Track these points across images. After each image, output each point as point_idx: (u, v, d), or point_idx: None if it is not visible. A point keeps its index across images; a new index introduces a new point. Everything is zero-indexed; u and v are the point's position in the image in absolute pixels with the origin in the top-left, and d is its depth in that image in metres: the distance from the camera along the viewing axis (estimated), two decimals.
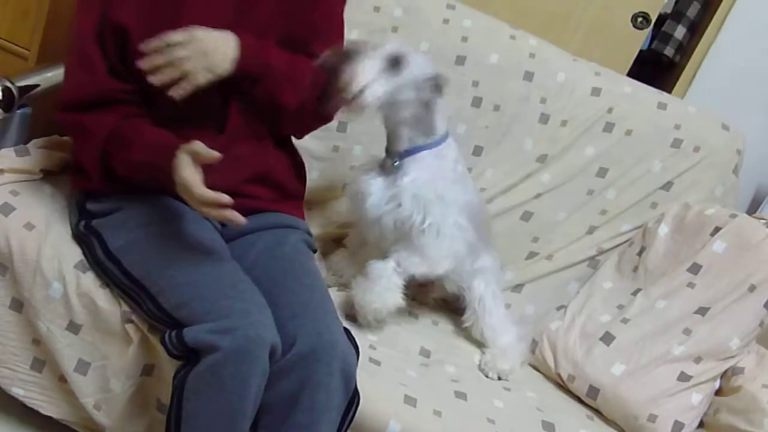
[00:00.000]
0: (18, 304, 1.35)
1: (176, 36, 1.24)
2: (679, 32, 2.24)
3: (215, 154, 1.19)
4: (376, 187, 1.52)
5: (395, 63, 1.38)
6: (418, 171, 1.50)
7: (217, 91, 1.35)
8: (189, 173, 1.19)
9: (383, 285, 1.49)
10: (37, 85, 1.50)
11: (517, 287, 1.83)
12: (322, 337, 1.20)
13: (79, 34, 1.31)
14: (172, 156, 1.21)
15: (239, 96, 1.38)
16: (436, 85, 1.45)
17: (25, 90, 1.47)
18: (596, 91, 1.85)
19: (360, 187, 1.54)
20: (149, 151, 1.27)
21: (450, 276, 1.60)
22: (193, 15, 1.32)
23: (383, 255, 1.55)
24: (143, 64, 1.24)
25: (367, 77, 1.33)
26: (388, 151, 1.55)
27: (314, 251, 1.52)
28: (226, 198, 1.17)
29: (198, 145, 1.19)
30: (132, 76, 1.32)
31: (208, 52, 1.27)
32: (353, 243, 1.69)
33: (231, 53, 1.30)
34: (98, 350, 1.33)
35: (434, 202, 1.48)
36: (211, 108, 1.37)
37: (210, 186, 1.29)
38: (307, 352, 1.19)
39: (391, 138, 1.53)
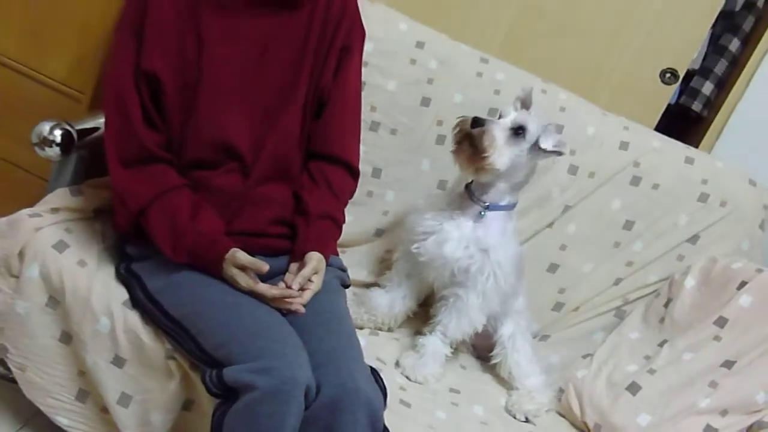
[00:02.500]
0: (67, 337, 1.42)
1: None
2: (707, 88, 2.29)
3: (264, 267, 1.32)
4: (459, 232, 1.59)
5: (519, 131, 1.53)
6: (497, 229, 1.60)
7: (245, 140, 1.43)
8: (247, 282, 1.33)
9: (437, 360, 1.60)
10: (95, 129, 1.58)
11: (544, 337, 1.86)
12: (345, 386, 1.23)
13: (117, 83, 1.39)
14: (219, 266, 1.34)
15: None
16: (558, 151, 1.55)
17: (82, 133, 1.56)
18: (624, 145, 1.90)
19: (443, 225, 1.60)
20: (193, 256, 1.35)
21: (490, 317, 1.66)
22: (214, 65, 1.40)
23: (425, 292, 1.65)
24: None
25: (498, 143, 1.49)
26: (472, 194, 1.62)
27: (347, 287, 1.56)
28: (293, 292, 1.34)
29: (244, 258, 1.32)
30: (164, 125, 1.41)
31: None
32: (395, 277, 1.73)
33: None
34: (141, 384, 1.38)
35: (502, 264, 1.57)
36: (239, 155, 1.44)
37: (236, 230, 1.40)
38: (330, 401, 1.22)
39: (485, 186, 1.60)
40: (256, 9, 1.41)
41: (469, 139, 1.52)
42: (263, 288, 1.33)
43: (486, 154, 1.50)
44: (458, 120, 1.56)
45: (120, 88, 1.38)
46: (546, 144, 1.52)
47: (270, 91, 1.44)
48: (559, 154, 1.56)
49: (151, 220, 1.37)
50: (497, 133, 1.51)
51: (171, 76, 1.39)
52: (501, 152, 1.51)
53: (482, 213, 1.60)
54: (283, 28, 1.43)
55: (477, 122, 1.51)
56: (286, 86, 1.45)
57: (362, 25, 1.55)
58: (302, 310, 1.34)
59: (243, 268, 1.33)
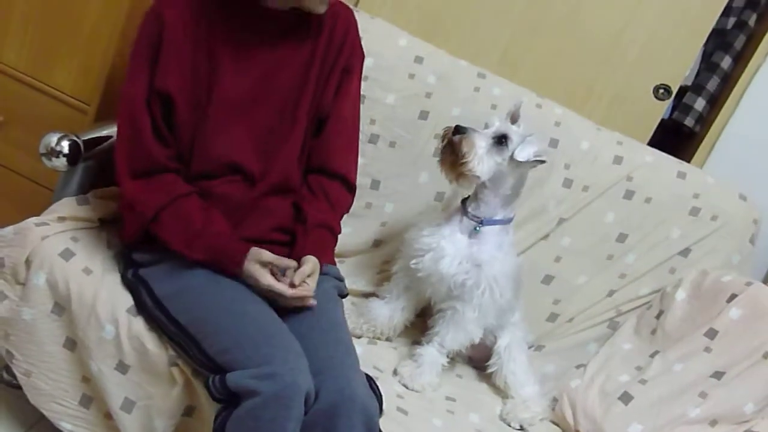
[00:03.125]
0: (72, 343, 1.44)
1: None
2: (699, 104, 2.33)
3: (292, 263, 1.40)
4: (454, 248, 1.63)
5: (502, 140, 1.58)
6: (494, 243, 1.63)
7: (249, 159, 1.48)
8: (268, 280, 1.38)
9: (434, 370, 1.63)
10: (101, 140, 1.62)
11: (539, 347, 1.90)
12: (343, 392, 1.26)
13: (130, 100, 1.44)
14: (238, 263, 1.39)
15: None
16: (539, 161, 1.59)
17: (90, 144, 1.59)
18: (618, 159, 1.94)
19: (439, 242, 1.64)
20: (210, 253, 1.40)
21: (488, 329, 1.70)
22: (224, 86, 1.46)
23: (423, 303, 1.69)
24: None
25: (479, 152, 1.55)
26: (466, 211, 1.66)
27: (344, 296, 1.59)
28: (310, 295, 1.41)
29: (270, 256, 1.39)
30: (174, 140, 1.46)
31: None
32: (394, 289, 1.76)
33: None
34: (144, 390, 1.40)
35: (498, 279, 1.61)
36: (244, 172, 1.49)
37: (241, 236, 1.45)
38: (328, 407, 1.25)
39: (477, 201, 1.65)
40: (265, 36, 1.48)
41: (451, 147, 1.57)
42: (282, 287, 1.38)
43: (465, 160, 1.54)
44: (444, 129, 1.61)
45: (133, 105, 1.43)
46: (521, 155, 1.56)
47: (274, 113, 1.50)
48: (541, 162, 1.60)
49: (163, 223, 1.41)
50: (477, 141, 1.56)
51: (183, 95, 1.44)
52: (481, 159, 1.56)
53: (477, 228, 1.64)
54: (289, 54, 1.50)
55: (458, 130, 1.57)
56: (290, 108, 1.51)
57: (362, 48, 1.61)
58: (314, 302, 1.42)
59: (266, 266, 1.39)
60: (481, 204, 1.65)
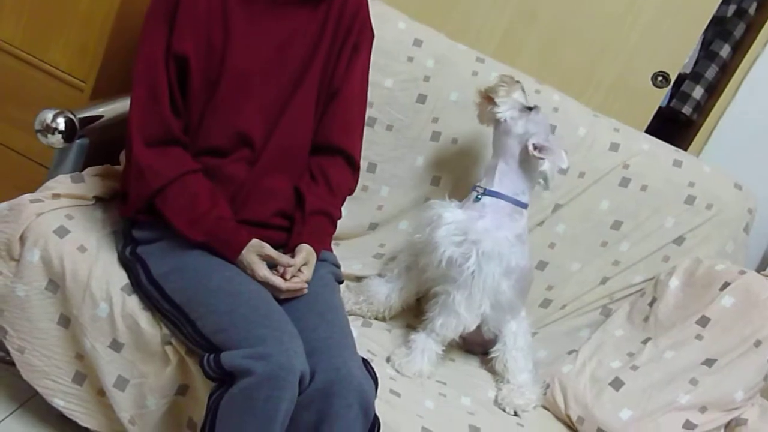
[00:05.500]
0: (66, 321, 1.45)
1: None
2: (697, 92, 2.33)
3: (291, 261, 1.42)
4: (452, 217, 1.64)
5: (530, 109, 1.68)
6: (492, 220, 1.64)
7: (257, 129, 1.47)
8: (264, 273, 1.39)
9: (426, 357, 1.63)
10: (97, 118, 1.61)
11: (532, 333, 1.90)
12: (339, 372, 1.27)
13: (149, 62, 1.43)
14: (236, 251, 1.40)
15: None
16: (537, 145, 1.65)
17: (85, 121, 1.58)
18: (614, 146, 1.94)
19: (440, 211, 1.66)
20: (211, 236, 1.40)
21: (487, 326, 1.71)
22: (236, 58, 1.45)
23: (423, 288, 1.70)
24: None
25: (514, 95, 1.68)
26: (476, 187, 1.70)
27: (341, 282, 1.60)
28: (303, 287, 1.42)
29: (272, 251, 1.41)
30: (185, 108, 1.46)
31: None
32: (395, 268, 1.77)
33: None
34: (137, 369, 1.41)
35: (491, 256, 1.60)
36: (249, 144, 1.49)
37: (242, 219, 1.45)
38: (324, 386, 1.26)
39: (488, 174, 1.71)
40: (277, 9, 1.48)
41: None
42: (278, 281, 1.39)
43: (500, 90, 1.69)
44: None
45: (151, 68, 1.42)
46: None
47: (284, 84, 1.50)
48: (538, 149, 1.65)
49: (169, 198, 1.41)
50: (518, 91, 1.70)
51: (198, 60, 1.44)
52: (512, 103, 1.68)
53: (478, 197, 1.66)
54: (302, 24, 1.49)
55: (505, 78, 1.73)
56: (298, 79, 1.51)
57: (372, 28, 1.61)
58: (305, 290, 1.43)
59: (264, 259, 1.40)
60: (488, 175, 1.70)
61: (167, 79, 1.42)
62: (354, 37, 1.55)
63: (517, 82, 1.73)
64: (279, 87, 1.50)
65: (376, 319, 1.78)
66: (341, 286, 1.60)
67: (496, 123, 1.71)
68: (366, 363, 1.36)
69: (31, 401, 1.60)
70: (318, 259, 1.50)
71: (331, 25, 1.52)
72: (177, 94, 1.44)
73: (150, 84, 1.43)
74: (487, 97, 1.71)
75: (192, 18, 1.42)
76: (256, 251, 1.40)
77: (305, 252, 1.45)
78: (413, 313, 1.83)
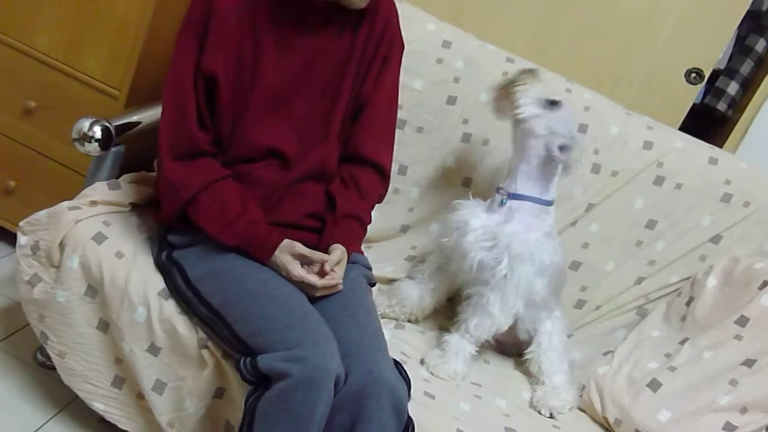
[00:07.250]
0: (105, 325, 1.47)
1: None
2: (732, 88, 2.30)
3: (325, 257, 1.43)
4: (479, 223, 1.64)
5: (552, 104, 1.63)
6: (520, 222, 1.63)
7: (291, 146, 1.49)
8: (299, 272, 1.41)
9: (461, 358, 1.62)
10: (134, 125, 1.64)
11: (567, 335, 1.88)
12: (372, 374, 1.28)
13: (177, 81, 1.45)
14: (269, 252, 1.41)
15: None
16: (563, 146, 1.62)
17: (121, 129, 1.61)
18: (648, 145, 1.91)
19: (466, 216, 1.66)
20: (243, 240, 1.42)
21: (523, 325, 1.70)
22: (267, 74, 1.47)
23: (454, 288, 1.69)
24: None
25: (533, 91, 1.62)
26: (499, 189, 1.68)
27: (373, 284, 1.60)
28: (337, 284, 1.43)
29: (304, 249, 1.42)
30: (213, 125, 1.47)
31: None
32: (426, 270, 1.77)
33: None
34: (175, 372, 1.43)
35: (523, 257, 1.59)
36: (282, 158, 1.50)
37: (275, 221, 1.46)
38: (357, 388, 1.26)
39: (510, 176, 1.67)
40: (307, 27, 1.49)
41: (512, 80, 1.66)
42: (314, 279, 1.40)
43: (518, 87, 1.63)
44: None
45: (180, 86, 1.44)
46: (558, 141, 1.62)
47: (314, 101, 1.51)
48: (563, 149, 1.63)
49: (200, 206, 1.43)
50: (538, 85, 1.63)
51: (228, 78, 1.45)
52: (532, 98, 1.62)
53: (503, 200, 1.65)
54: (330, 45, 1.51)
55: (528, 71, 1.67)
56: (330, 97, 1.52)
57: (402, 38, 1.61)
58: (340, 286, 1.45)
59: (297, 258, 1.41)
60: (510, 177, 1.67)
61: (195, 98, 1.44)
62: (384, 50, 1.56)
63: (535, 76, 1.66)
64: (309, 104, 1.51)
65: (409, 321, 1.78)
66: (373, 289, 1.60)
67: (516, 122, 1.67)
68: (398, 365, 1.36)
69: (71, 405, 1.63)
70: (349, 261, 1.50)
71: (360, 42, 1.53)
72: (205, 113, 1.46)
73: (178, 102, 1.45)
74: (506, 94, 1.66)
75: (223, 36, 1.44)
76: (288, 251, 1.42)
77: (339, 250, 1.46)
78: (446, 315, 1.82)
